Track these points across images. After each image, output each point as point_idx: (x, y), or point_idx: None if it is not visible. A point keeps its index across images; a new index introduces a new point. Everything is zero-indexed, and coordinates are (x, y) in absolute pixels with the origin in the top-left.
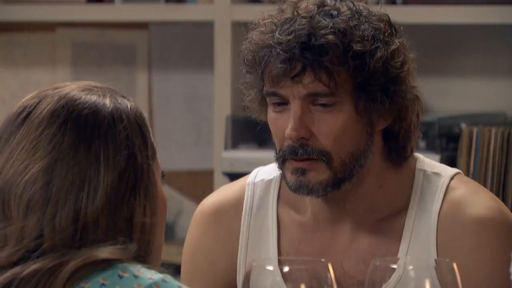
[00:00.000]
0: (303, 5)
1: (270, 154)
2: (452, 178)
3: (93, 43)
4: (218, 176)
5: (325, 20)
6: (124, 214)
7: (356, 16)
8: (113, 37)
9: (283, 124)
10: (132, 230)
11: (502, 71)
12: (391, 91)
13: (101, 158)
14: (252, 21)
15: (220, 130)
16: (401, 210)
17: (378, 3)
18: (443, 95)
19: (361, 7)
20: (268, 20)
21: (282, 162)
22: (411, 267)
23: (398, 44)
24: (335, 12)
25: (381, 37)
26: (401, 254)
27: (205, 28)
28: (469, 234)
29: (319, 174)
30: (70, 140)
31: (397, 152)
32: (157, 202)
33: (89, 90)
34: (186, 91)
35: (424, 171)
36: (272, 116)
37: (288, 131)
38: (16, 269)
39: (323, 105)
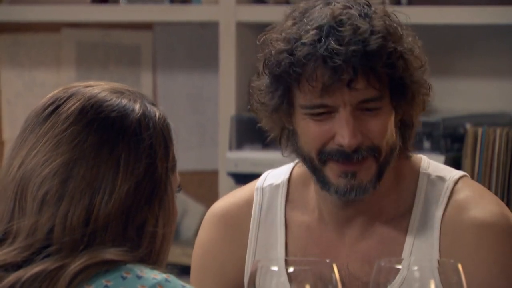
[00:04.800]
0: (330, 11)
1: (274, 154)
2: (456, 183)
3: (98, 43)
4: (222, 177)
5: (365, 22)
6: (136, 222)
7: (383, 14)
8: (118, 37)
9: (327, 131)
10: (141, 239)
11: (507, 72)
12: (418, 83)
13: (121, 164)
14: (270, 31)
15: (224, 130)
16: (405, 213)
17: (383, 3)
18: (448, 96)
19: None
20: (294, 30)
21: (323, 163)
22: (415, 268)
23: (413, 37)
24: (369, 12)
25: (404, 32)
26: (405, 252)
27: (210, 29)
28: (471, 237)
29: (369, 171)
30: (94, 140)
31: (410, 138)
32: (171, 214)
33: (121, 93)
34: (191, 91)
35: (428, 175)
36: (310, 125)
37: (345, 140)
38: (19, 273)
39: (369, 109)
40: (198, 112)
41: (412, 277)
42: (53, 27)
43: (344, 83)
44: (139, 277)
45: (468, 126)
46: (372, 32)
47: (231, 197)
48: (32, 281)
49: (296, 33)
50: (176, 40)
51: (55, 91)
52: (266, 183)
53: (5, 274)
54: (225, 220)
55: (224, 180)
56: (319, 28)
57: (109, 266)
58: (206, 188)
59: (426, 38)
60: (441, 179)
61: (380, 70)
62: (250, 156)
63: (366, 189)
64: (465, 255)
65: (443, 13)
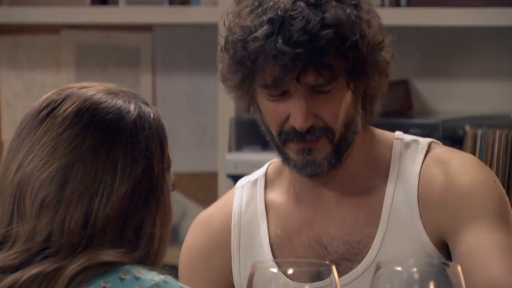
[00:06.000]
0: (283, 1)
1: (274, 156)
2: (429, 144)
3: (97, 45)
4: (222, 178)
5: (316, 15)
6: (134, 224)
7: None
8: (117, 39)
9: (283, 111)
10: (139, 240)
11: (506, 73)
12: (373, 65)
13: (118, 166)
14: (232, 14)
15: (224, 132)
16: (383, 173)
17: (382, 5)
18: (447, 97)
19: None
20: (250, 19)
21: (283, 143)
22: (415, 270)
23: (372, 13)
24: (319, 1)
25: (363, 16)
26: (385, 209)
27: (209, 30)
28: (446, 178)
29: (324, 150)
30: (91, 143)
31: (373, 106)
32: (168, 214)
33: (115, 94)
34: (190, 93)
35: (402, 139)
36: (268, 104)
37: (297, 123)
38: (17, 274)
39: (323, 91)
40: (198, 113)
41: (412, 278)
42: (53, 29)
43: (294, 77)
44: (137, 278)
45: (467, 128)
46: (323, 26)
47: (214, 204)
48: (30, 282)
49: (251, 24)
50: (176, 42)
51: (49, 93)
52: (245, 182)
53: (2, 276)
54: (209, 222)
55: (223, 181)
56: (271, 21)
57: (107, 268)
58: (205, 190)
59: (425, 39)
60: (415, 141)
61: (330, 62)
62: (249, 157)
63: (321, 165)
64: (443, 191)
65: (442, 15)
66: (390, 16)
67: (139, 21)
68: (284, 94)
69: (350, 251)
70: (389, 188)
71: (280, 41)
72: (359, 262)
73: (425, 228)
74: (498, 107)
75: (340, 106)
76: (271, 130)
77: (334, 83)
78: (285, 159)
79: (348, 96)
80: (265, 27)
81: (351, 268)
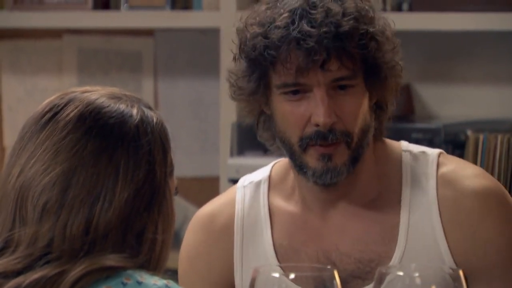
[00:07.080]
0: None
1: (276, 161)
2: (438, 156)
3: (99, 50)
4: (223, 183)
5: (337, 5)
6: (136, 229)
7: None
8: (119, 44)
9: (304, 112)
10: (141, 245)
11: (508, 78)
12: (390, 64)
13: (120, 170)
14: (246, 19)
15: (226, 136)
16: (394, 188)
17: (384, 9)
18: (449, 102)
19: None
20: (268, 14)
21: (303, 149)
22: (417, 274)
23: (385, 19)
24: None
25: (375, 15)
26: (402, 227)
27: (211, 35)
28: (475, 205)
29: (343, 156)
30: (93, 147)
31: (383, 122)
32: (170, 219)
33: (118, 98)
34: (192, 97)
35: (411, 152)
36: (286, 107)
37: (321, 119)
38: (19, 279)
39: (343, 87)
40: (200, 118)
41: (414, 283)
42: (55, 34)
43: (318, 65)
44: (139, 283)
45: (469, 132)
46: (344, 14)
47: (214, 202)
48: (32, 287)
49: (270, 17)
50: (177, 47)
51: (52, 97)
52: (247, 182)
53: (4, 281)
54: (210, 222)
55: (225, 186)
56: (292, 11)
57: (110, 273)
58: (207, 194)
59: (427, 44)
60: (424, 153)
61: (352, 51)
62: (251, 162)
63: (341, 172)
64: (472, 223)
65: (443, 20)
66: (392, 21)
67: (141, 25)
68: (303, 94)
69: (361, 269)
70: (404, 204)
71: (304, 25)
72: (372, 280)
73: (450, 249)
74: (500, 111)
75: (359, 108)
76: (289, 137)
77: (356, 79)
78: (302, 168)
79: (365, 101)
80: (286, 15)
81: (362, 286)
